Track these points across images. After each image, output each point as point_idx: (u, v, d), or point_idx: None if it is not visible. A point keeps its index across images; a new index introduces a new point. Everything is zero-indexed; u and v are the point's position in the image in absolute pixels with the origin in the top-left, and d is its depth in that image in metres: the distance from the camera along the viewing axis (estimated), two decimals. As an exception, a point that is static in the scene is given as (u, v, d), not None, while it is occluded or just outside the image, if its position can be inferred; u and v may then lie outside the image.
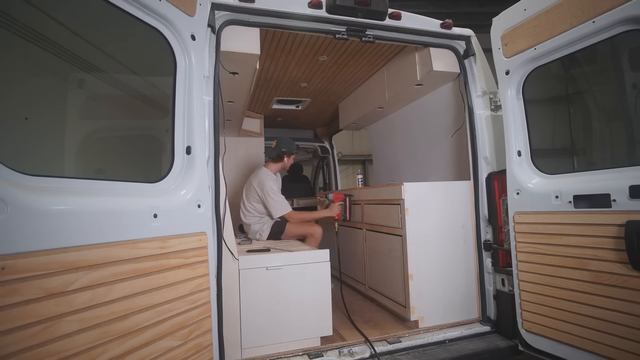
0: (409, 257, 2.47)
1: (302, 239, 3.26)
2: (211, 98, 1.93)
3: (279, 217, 3.20)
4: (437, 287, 2.50)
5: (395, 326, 2.54)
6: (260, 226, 3.25)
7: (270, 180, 3.20)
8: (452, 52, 2.58)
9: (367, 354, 2.12)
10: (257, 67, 2.49)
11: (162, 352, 1.45)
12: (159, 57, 1.74)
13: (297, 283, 2.26)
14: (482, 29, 2.75)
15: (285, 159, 3.40)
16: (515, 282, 2.16)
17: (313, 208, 4.76)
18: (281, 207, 3.17)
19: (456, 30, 2.53)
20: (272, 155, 3.42)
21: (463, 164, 2.81)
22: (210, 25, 1.91)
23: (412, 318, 2.44)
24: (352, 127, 4.70)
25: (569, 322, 1.89)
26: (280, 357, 2.13)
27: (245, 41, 2.22)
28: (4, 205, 1.01)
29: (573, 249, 1.86)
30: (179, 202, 1.62)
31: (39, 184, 1.17)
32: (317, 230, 3.26)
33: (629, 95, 2.51)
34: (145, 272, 1.40)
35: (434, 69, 2.65)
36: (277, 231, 3.22)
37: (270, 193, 3.14)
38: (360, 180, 4.13)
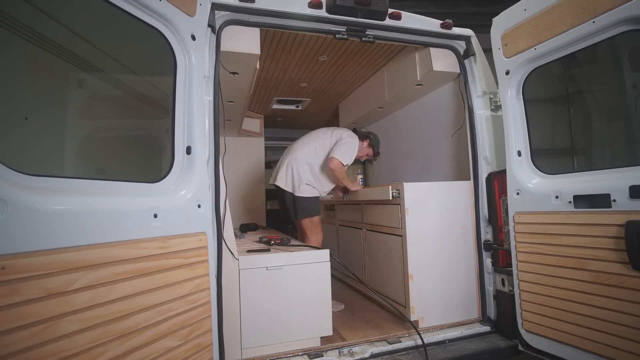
0: (409, 257, 2.47)
1: (304, 237, 3.13)
2: (211, 98, 1.93)
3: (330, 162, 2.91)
4: (437, 287, 2.50)
5: (395, 326, 2.54)
6: (309, 188, 2.99)
7: (357, 141, 3.04)
8: (452, 52, 2.59)
9: (367, 354, 2.12)
10: (257, 67, 2.49)
11: (162, 352, 1.45)
12: (159, 57, 1.74)
13: (297, 283, 2.25)
14: (482, 29, 2.74)
15: (366, 143, 3.19)
16: (515, 282, 2.16)
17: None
18: (343, 154, 2.90)
19: (456, 30, 2.53)
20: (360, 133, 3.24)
21: (463, 164, 2.81)
22: (211, 25, 1.91)
23: (412, 318, 2.44)
24: (352, 127, 4.70)
25: (569, 322, 1.89)
26: (280, 357, 2.13)
27: (245, 41, 2.22)
28: (4, 205, 1.01)
29: (573, 249, 1.86)
30: (179, 202, 1.62)
31: (39, 184, 1.17)
32: (319, 237, 3.09)
33: (629, 95, 2.51)
34: (145, 272, 1.40)
35: (434, 69, 2.65)
36: (313, 207, 3.02)
37: (347, 141, 2.97)
38: (360, 180, 4.13)
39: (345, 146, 2.95)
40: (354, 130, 3.25)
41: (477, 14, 8.03)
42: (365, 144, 3.20)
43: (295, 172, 2.99)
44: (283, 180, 3.02)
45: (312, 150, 3.04)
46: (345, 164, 2.94)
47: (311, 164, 3.02)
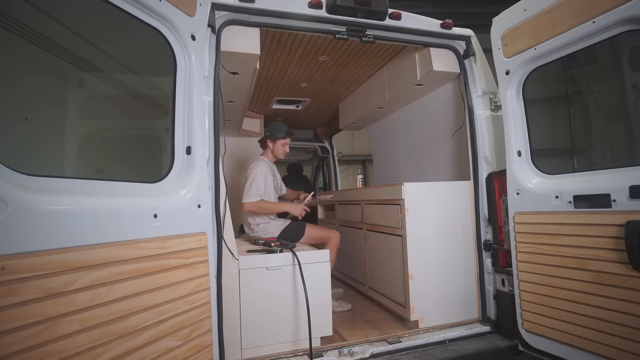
0: (409, 257, 2.47)
1: (321, 245, 2.93)
2: (211, 98, 1.93)
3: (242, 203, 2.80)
4: (437, 287, 2.50)
5: (395, 326, 2.55)
6: (265, 225, 2.87)
7: (259, 164, 2.85)
8: (452, 52, 2.59)
9: (367, 354, 2.12)
10: (257, 67, 2.49)
11: (162, 352, 1.45)
12: (159, 57, 1.74)
13: (297, 283, 2.26)
14: (482, 29, 2.75)
15: (269, 143, 2.99)
16: (515, 282, 2.16)
17: (313, 209, 4.75)
18: (249, 193, 2.73)
19: (456, 30, 2.53)
20: (260, 144, 3.11)
21: (463, 164, 2.81)
22: (211, 25, 1.91)
23: (412, 318, 2.44)
24: (352, 127, 4.70)
25: (569, 322, 1.89)
26: (280, 357, 2.13)
27: (245, 41, 2.22)
28: (4, 205, 1.01)
29: (573, 249, 1.86)
30: (179, 202, 1.62)
31: (39, 184, 1.17)
32: (336, 235, 2.92)
33: (629, 95, 2.51)
34: (145, 272, 1.40)
35: (434, 69, 2.65)
36: (295, 234, 2.86)
37: (252, 175, 2.78)
38: (360, 180, 4.13)
39: (248, 182, 2.79)
40: (261, 141, 3.11)
41: (477, 14, 8.04)
42: (270, 144, 3.01)
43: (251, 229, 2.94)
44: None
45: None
46: (255, 198, 2.74)
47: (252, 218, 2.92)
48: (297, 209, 2.87)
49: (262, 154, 3.07)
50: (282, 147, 3.02)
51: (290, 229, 2.87)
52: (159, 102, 2.50)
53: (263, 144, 3.08)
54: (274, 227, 2.86)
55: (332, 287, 3.17)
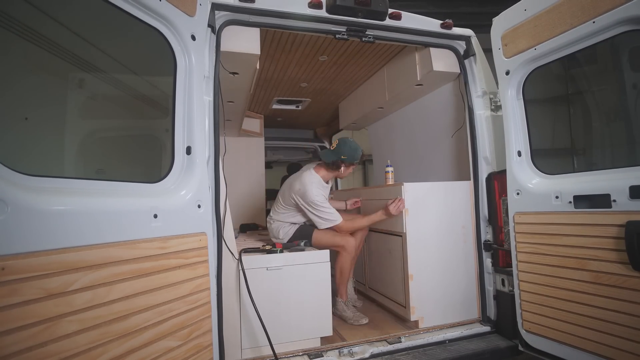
0: (409, 257, 2.47)
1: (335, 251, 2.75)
2: (211, 98, 1.93)
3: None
4: (437, 287, 2.50)
5: (395, 326, 2.55)
6: (279, 225, 2.85)
7: (314, 188, 2.65)
8: (452, 52, 2.58)
9: (367, 354, 2.12)
10: (257, 67, 2.49)
11: (162, 352, 1.45)
12: (159, 57, 1.74)
13: (297, 283, 2.26)
14: (482, 29, 2.74)
15: (343, 169, 2.77)
16: (515, 282, 2.16)
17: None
18: (330, 217, 2.64)
19: (456, 31, 2.53)
20: (328, 160, 2.76)
21: (463, 164, 2.81)
22: (211, 26, 1.91)
23: (412, 318, 2.44)
24: (352, 127, 4.70)
25: (569, 322, 1.89)
26: (281, 357, 2.12)
27: (245, 41, 2.22)
28: (4, 206, 1.01)
29: (573, 249, 1.86)
30: (179, 203, 1.62)
31: (39, 184, 1.16)
32: (350, 242, 2.68)
33: (629, 95, 2.51)
34: (145, 273, 1.40)
35: (434, 69, 2.65)
36: (304, 236, 2.76)
37: (313, 204, 2.62)
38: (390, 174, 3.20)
39: (317, 210, 2.64)
40: (332, 162, 2.78)
41: (477, 14, 8.03)
42: (342, 170, 2.79)
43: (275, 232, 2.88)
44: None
45: (280, 209, 2.88)
46: (339, 217, 2.66)
47: (281, 220, 2.86)
48: (393, 209, 2.51)
49: (315, 169, 2.83)
50: (350, 170, 2.86)
51: (301, 230, 2.81)
52: (159, 102, 2.50)
53: (334, 165, 2.77)
54: (290, 231, 2.83)
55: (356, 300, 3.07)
